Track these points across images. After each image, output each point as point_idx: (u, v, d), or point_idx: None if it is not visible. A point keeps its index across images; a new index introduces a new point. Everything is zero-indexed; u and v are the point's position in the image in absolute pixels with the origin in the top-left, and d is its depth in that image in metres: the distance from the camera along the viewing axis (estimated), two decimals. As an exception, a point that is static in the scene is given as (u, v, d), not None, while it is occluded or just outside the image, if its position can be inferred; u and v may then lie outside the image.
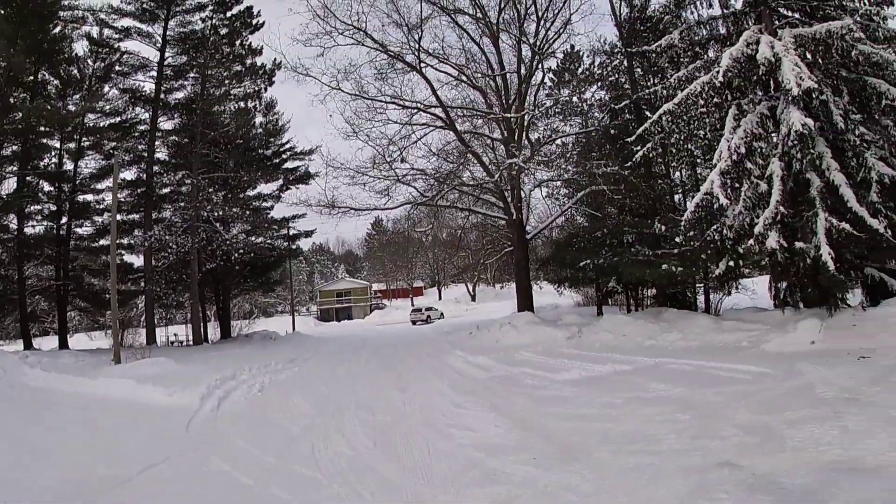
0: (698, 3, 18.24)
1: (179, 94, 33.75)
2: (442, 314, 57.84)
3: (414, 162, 27.75)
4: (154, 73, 32.04)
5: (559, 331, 20.60)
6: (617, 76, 25.16)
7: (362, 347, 27.06)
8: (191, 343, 33.52)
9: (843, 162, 15.13)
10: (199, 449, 9.51)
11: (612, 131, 23.08)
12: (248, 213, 36.03)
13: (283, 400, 13.39)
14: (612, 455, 7.34)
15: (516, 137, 26.05)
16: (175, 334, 38.14)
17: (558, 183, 28.35)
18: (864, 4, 16.39)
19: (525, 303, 26.74)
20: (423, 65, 26.38)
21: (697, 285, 22.28)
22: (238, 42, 33.09)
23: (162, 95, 32.52)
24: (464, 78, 27.50)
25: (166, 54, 31.98)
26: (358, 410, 11.48)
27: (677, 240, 17.53)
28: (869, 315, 14.08)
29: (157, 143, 33.03)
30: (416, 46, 25.82)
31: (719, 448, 7.22)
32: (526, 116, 26.40)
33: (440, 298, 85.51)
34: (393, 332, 39.82)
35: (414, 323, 52.98)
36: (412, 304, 77.42)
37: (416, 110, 26.96)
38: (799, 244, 14.89)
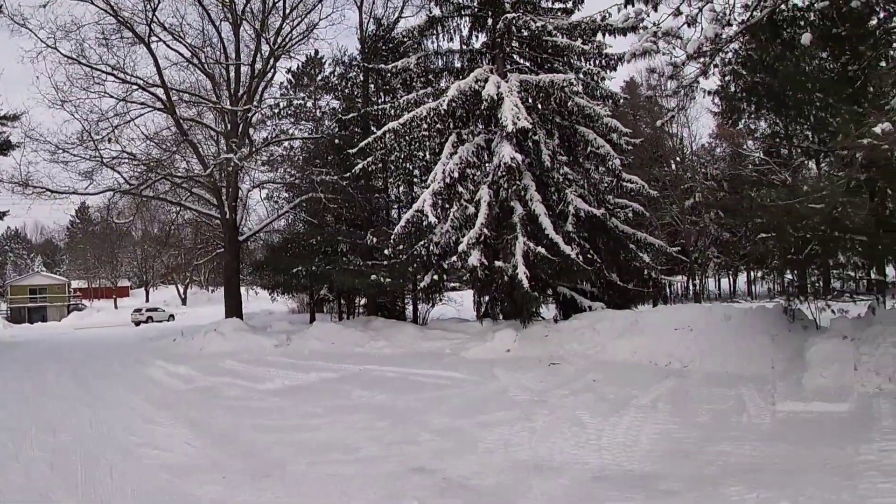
0: (441, 35, 19.14)
1: None
2: (172, 316, 53.19)
3: (126, 145, 24.94)
4: None
5: (268, 338, 19.82)
6: (353, 89, 25.16)
7: (54, 355, 23.48)
8: None
9: (546, 195, 16.84)
10: None
11: (338, 141, 22.97)
12: (-70, 185, 29.62)
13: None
14: (308, 467, 6.98)
15: (239, 133, 24.81)
16: None
17: (280, 186, 27.46)
18: (589, 66, 18.69)
19: (233, 308, 25.33)
20: (154, 38, 23.90)
21: (407, 296, 23.00)
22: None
23: None
24: (196, 62, 25.53)
25: None
26: (39, 431, 9.72)
27: (387, 252, 17.87)
28: (559, 327, 15.70)
29: None
30: (151, 17, 23.27)
31: (415, 453, 7.24)
32: (253, 112, 25.24)
33: (147, 300, 78.51)
34: (92, 338, 35.23)
35: (137, 324, 48.71)
36: (115, 306, 70.32)
37: (136, 87, 24.38)
38: (499, 263, 16.06)
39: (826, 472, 6.23)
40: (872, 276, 15.81)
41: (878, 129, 8.71)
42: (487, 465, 6.71)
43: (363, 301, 24.60)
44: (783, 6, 12.10)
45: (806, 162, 23.83)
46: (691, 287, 36.20)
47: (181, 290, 79.58)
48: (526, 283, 15.16)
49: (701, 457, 6.96)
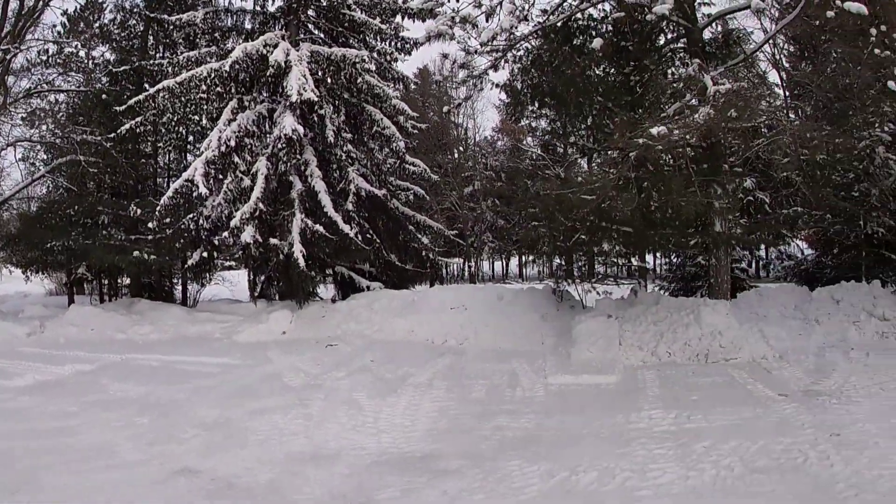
0: (235, -9, 17.78)
1: None
2: None
3: None
4: None
5: (19, 325, 17.14)
6: (131, 39, 22.63)
7: None
8: None
9: (328, 172, 16.33)
10: None
11: (106, 97, 20.50)
12: None
13: None
14: (61, 478, 5.89)
15: (-4, 80, 21.33)
16: None
17: (38, 145, 24.09)
18: (385, 46, 18.42)
19: (-23, 292, 22.00)
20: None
21: (175, 275, 21.31)
22: None
23: None
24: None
25: None
26: None
27: (151, 225, 16.37)
28: (337, 307, 15.40)
29: None
30: None
31: (179, 452, 6.52)
32: (13, 54, 21.67)
33: None
34: None
35: None
36: None
37: None
38: (274, 240, 15.30)
39: (601, 441, 6.51)
40: (635, 263, 17.42)
41: (654, 131, 9.57)
42: (260, 459, 6.22)
43: (127, 281, 22.45)
44: (579, 15, 12.99)
45: (579, 160, 25.63)
46: (467, 269, 37.83)
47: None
48: (302, 262, 14.59)
49: (479, 432, 7.02)
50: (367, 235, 16.48)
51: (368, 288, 17.03)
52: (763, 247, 22.73)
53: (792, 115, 14.95)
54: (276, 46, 15.37)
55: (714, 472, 5.56)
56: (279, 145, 15.13)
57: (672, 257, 20.29)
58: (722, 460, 5.79)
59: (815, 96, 14.80)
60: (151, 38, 21.49)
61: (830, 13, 9.68)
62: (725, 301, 12.12)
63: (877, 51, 10.27)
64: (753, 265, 24.92)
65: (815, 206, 14.86)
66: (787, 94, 17.00)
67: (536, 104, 15.72)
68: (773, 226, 15.33)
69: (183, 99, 16.06)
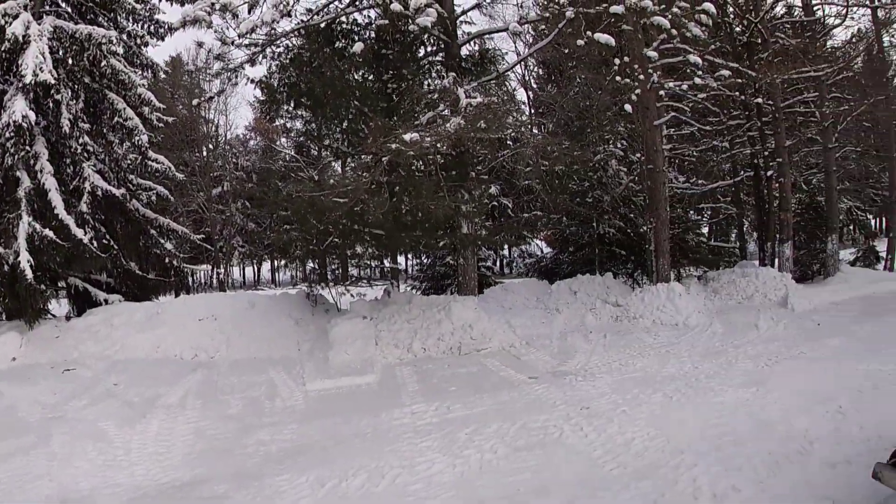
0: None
1: None
2: None
3: None
4: None
5: None
6: None
7: None
8: None
9: (61, 167, 14.42)
10: None
11: None
12: None
13: None
14: None
15: None
16: None
17: None
18: (137, 28, 16.56)
19: None
20: None
21: None
22: None
23: None
24: None
25: None
26: None
27: None
28: (73, 325, 13.56)
29: None
30: None
31: None
32: None
33: None
34: None
35: None
36: None
37: None
38: (-2, 249, 13.38)
39: (367, 442, 6.64)
40: (388, 264, 17.84)
41: (407, 137, 9.90)
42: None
43: None
44: (344, 18, 13.12)
45: (333, 163, 25.62)
46: (216, 276, 36.23)
47: None
48: (30, 274, 12.73)
49: (241, 450, 6.82)
50: (104, 241, 14.85)
51: (107, 301, 15.31)
52: (507, 246, 24.52)
53: (535, 130, 16.44)
54: (16, 17, 13.40)
55: (479, 457, 5.95)
56: (7, 134, 13.09)
57: (423, 258, 21.19)
58: (485, 444, 6.21)
59: (557, 115, 16.48)
60: None
61: (581, 42, 10.82)
62: (474, 297, 12.99)
63: (618, 78, 11.62)
64: (498, 263, 26.83)
65: (553, 211, 16.54)
66: (533, 111, 18.82)
67: (293, 104, 15.43)
68: (516, 228, 16.71)
69: None
